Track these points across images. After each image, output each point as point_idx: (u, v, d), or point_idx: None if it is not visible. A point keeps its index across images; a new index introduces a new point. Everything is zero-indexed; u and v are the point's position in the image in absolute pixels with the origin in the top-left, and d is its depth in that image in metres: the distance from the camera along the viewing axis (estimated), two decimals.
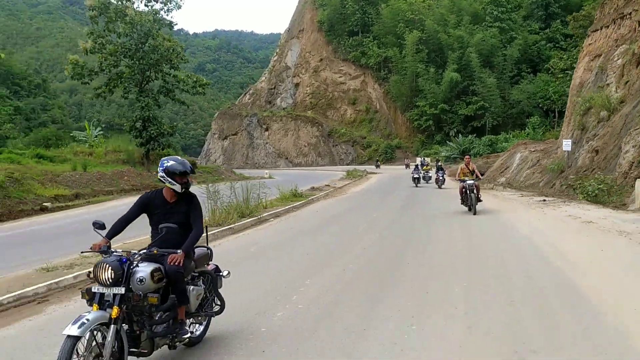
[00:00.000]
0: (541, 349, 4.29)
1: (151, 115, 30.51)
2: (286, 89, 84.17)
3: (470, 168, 15.60)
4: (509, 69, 61.17)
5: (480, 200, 14.88)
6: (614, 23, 25.91)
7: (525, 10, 65.51)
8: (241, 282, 6.48)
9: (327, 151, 70.59)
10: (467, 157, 17.07)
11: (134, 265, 4.15)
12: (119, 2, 30.32)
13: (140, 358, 4.23)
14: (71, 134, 42.28)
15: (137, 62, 30.44)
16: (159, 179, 4.61)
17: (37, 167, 22.97)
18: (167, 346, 4.46)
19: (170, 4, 31.91)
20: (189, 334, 4.62)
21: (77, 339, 3.67)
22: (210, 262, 5.10)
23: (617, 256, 8.16)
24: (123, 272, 4.03)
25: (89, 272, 4.18)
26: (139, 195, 4.98)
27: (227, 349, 4.67)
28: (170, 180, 4.51)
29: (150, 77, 32.01)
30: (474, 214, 14.03)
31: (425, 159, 40.95)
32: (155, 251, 4.32)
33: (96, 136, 39.15)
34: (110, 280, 3.94)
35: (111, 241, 4.37)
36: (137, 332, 4.15)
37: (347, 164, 61.31)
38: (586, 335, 4.61)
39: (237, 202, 12.83)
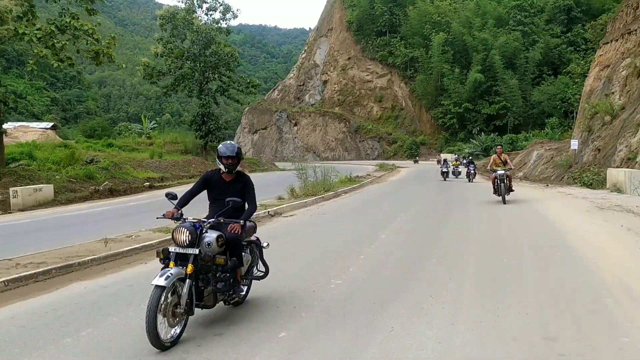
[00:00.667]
0: (514, 249, 8.38)
1: (210, 111, 35.05)
2: (314, 86, 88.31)
3: (502, 158, 15.91)
4: (530, 70, 64.46)
5: (512, 190, 15.40)
6: (622, 37, 29.54)
7: (547, 14, 68.49)
8: (347, 223, 10.75)
9: (354, 146, 74.73)
10: (499, 147, 17.34)
11: (204, 231, 4.80)
12: (186, 13, 34.87)
13: (204, 310, 5.00)
14: (129, 127, 47.09)
15: (199, 65, 35.01)
16: (225, 160, 5.24)
17: (122, 154, 27.51)
18: (222, 302, 5.15)
19: (228, 14, 36.53)
20: (243, 292, 5.49)
21: (163, 289, 4.28)
22: (254, 235, 5.75)
23: (576, 207, 13.46)
24: (196, 236, 4.67)
25: (158, 251, 4.81)
26: None
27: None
28: (218, 161, 5.26)
29: (209, 77, 36.51)
30: (504, 203, 14.65)
31: (457, 155, 41.27)
32: (222, 220, 4.94)
33: (151, 129, 43.87)
34: (187, 242, 4.60)
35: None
36: (202, 288, 4.77)
37: (373, 159, 65.28)
38: (555, 247, 8.69)
39: (317, 181, 17.25)
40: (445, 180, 27.80)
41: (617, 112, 24.29)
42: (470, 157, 32.61)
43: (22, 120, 48.12)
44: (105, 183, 18.60)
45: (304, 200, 14.97)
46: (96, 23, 19.92)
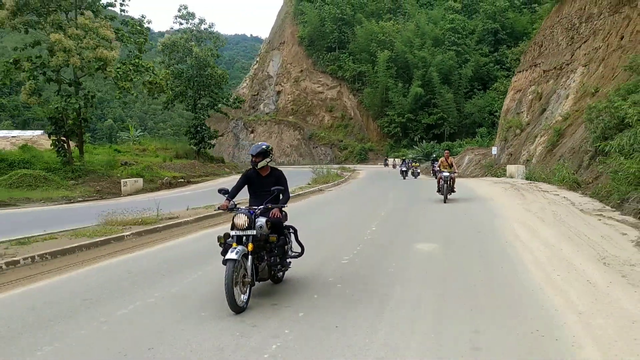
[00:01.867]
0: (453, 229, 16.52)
1: (203, 122, 42.16)
2: (269, 96, 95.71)
3: (449, 162, 17.48)
4: (463, 85, 74.57)
5: (454, 191, 17.10)
6: (530, 68, 39.16)
7: (477, 35, 79.01)
8: (337, 207, 18.71)
9: (308, 152, 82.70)
10: (446, 151, 19.30)
11: (257, 216, 6.03)
12: (185, 42, 41.76)
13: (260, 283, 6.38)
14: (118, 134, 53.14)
15: (194, 84, 42.00)
16: (255, 158, 6.52)
17: (143, 159, 34.23)
18: (270, 280, 6.45)
19: (218, 42, 43.74)
20: (290, 266, 6.77)
21: (235, 261, 5.55)
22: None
23: (487, 184, 21.43)
24: (252, 220, 5.88)
25: (219, 236, 6.16)
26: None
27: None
28: (250, 160, 6.55)
29: (202, 94, 43.54)
30: (445, 202, 16.49)
31: (406, 160, 49.13)
32: (269, 206, 6.20)
33: (137, 136, 50.19)
34: (246, 226, 5.82)
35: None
36: (257, 264, 6.02)
37: (326, 164, 73.37)
38: (483, 213, 16.86)
39: (319, 176, 25.15)
40: (404, 178, 32.57)
41: (524, 126, 33.56)
42: (407, 159, 39.24)
43: None
44: (165, 178, 25.54)
45: (321, 186, 22.97)
46: (153, 61, 27.11)
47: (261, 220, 6.04)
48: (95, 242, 10.33)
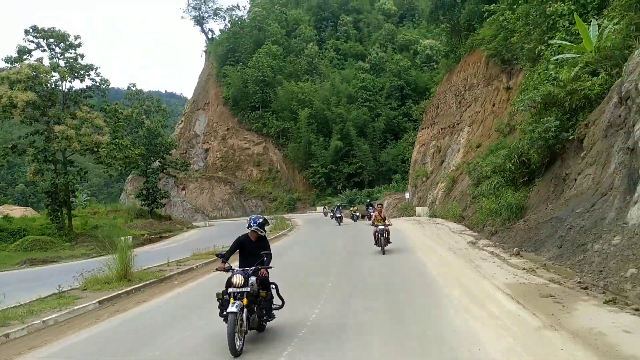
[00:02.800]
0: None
1: (155, 185, 47.56)
2: (197, 154, 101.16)
3: (382, 215, 18.42)
4: (377, 137, 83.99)
5: (390, 242, 18.14)
6: (430, 126, 48.20)
7: (386, 92, 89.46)
8: (314, 240, 25.49)
9: (239, 205, 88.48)
10: (379, 206, 20.63)
11: (249, 275, 7.55)
12: (137, 116, 47.32)
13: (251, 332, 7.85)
14: None
15: (146, 152, 47.54)
16: (254, 229, 8.10)
17: (107, 220, 39.20)
18: (256, 330, 7.89)
19: (165, 114, 49.79)
20: (275, 317, 8.24)
21: (236, 314, 6.95)
22: None
23: (403, 222, 28.60)
24: (246, 279, 7.31)
25: (218, 293, 7.73)
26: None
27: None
28: (261, 229, 8.10)
29: (152, 160, 49.01)
30: (383, 253, 17.44)
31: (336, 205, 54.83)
32: (259, 267, 7.82)
33: (84, 201, 54.46)
34: (242, 284, 7.27)
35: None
36: (248, 316, 7.41)
37: (257, 215, 79.22)
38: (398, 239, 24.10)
39: (276, 224, 31.53)
40: (339, 224, 35.24)
41: (429, 175, 41.96)
42: (339, 205, 45.48)
43: None
44: (145, 235, 30.94)
45: (284, 231, 29.48)
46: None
47: (253, 279, 7.53)
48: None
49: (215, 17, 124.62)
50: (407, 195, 42.31)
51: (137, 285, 14.79)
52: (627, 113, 12.40)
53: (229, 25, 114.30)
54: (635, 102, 11.85)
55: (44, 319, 10.96)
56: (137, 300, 13.24)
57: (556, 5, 21.75)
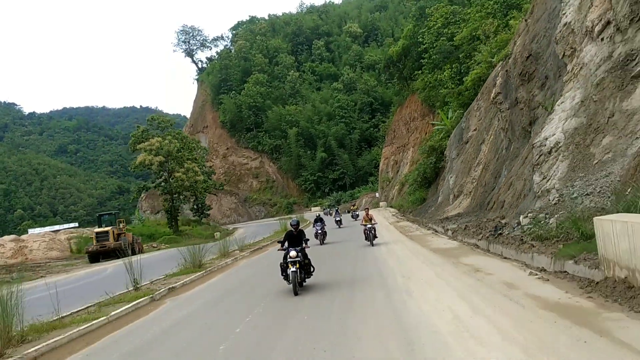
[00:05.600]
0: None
1: (203, 202, 68.48)
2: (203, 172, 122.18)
3: (369, 217, 23.17)
4: (354, 147, 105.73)
5: (376, 237, 23.01)
6: (391, 144, 70.30)
7: (359, 107, 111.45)
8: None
9: (245, 212, 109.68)
10: (367, 208, 28.39)
11: (299, 252, 12.30)
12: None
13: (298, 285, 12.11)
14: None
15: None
16: (294, 226, 13.37)
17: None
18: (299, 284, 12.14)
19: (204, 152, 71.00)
20: (311, 277, 13.04)
21: (296, 271, 11.94)
22: None
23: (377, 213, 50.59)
24: (297, 253, 12.16)
25: (281, 263, 12.66)
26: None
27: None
28: (297, 226, 13.43)
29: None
30: (372, 245, 22.07)
31: (328, 207, 77.63)
32: (304, 246, 12.88)
33: (142, 219, 75.10)
34: (295, 256, 12.13)
35: None
36: (300, 274, 12.26)
37: (262, 219, 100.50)
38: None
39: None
40: (340, 227, 37.53)
41: (390, 180, 63.96)
42: (337, 208, 66.94)
43: None
44: (221, 232, 52.27)
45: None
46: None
47: (302, 253, 12.53)
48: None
49: (202, 48, 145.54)
50: (377, 194, 64.25)
51: (245, 252, 35.80)
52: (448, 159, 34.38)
53: (215, 55, 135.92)
54: (449, 157, 33.74)
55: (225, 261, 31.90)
56: (248, 256, 34.25)
57: (444, 90, 43.85)
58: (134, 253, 27.59)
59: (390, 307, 9.26)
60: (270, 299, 12.12)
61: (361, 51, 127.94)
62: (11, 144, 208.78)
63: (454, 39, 47.33)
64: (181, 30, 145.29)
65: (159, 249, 42.43)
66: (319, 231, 27.89)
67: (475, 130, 30.88)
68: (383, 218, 37.30)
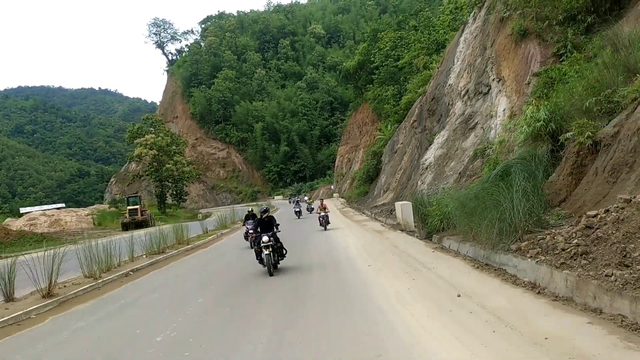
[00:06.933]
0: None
1: (182, 188, 79.30)
2: None
3: (323, 206, 28.20)
4: (315, 142, 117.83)
5: (329, 223, 27.16)
6: (346, 144, 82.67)
7: (319, 106, 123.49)
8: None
9: (212, 198, 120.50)
10: (322, 199, 33.87)
11: (270, 236, 13.60)
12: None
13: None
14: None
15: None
16: (263, 213, 14.48)
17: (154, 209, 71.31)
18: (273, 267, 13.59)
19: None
20: (283, 259, 14.35)
21: (269, 254, 13.37)
22: None
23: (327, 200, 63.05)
24: (269, 238, 13.42)
25: (255, 248, 14.53)
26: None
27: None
28: (266, 212, 14.60)
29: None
30: (325, 230, 26.49)
31: (304, 197, 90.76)
32: (275, 231, 14.09)
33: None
34: (268, 240, 13.40)
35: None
36: (274, 257, 13.75)
37: (227, 205, 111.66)
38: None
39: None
40: (299, 218, 40.60)
41: (344, 175, 76.35)
42: (298, 198, 79.59)
43: None
44: (200, 215, 63.45)
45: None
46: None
47: (273, 238, 13.75)
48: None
49: (173, 41, 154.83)
50: (332, 187, 76.55)
51: (225, 230, 47.39)
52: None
53: (185, 47, 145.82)
54: (384, 162, 46.07)
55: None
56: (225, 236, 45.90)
57: (387, 106, 56.15)
58: (153, 225, 39.01)
59: (325, 242, 21.31)
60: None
61: (324, 52, 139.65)
62: None
63: (399, 61, 59.55)
64: (152, 23, 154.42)
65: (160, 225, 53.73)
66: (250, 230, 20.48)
67: (401, 144, 43.06)
68: (334, 206, 49.57)
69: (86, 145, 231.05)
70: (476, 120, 26.84)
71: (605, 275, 7.05)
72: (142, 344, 7.92)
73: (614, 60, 14.28)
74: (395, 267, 12.44)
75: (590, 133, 12.25)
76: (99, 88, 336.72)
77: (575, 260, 8.08)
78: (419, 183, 28.86)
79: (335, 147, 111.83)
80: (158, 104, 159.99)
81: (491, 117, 24.40)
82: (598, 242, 8.14)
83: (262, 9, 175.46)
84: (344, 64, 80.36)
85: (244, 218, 25.23)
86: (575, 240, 8.61)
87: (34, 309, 11.05)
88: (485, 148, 22.49)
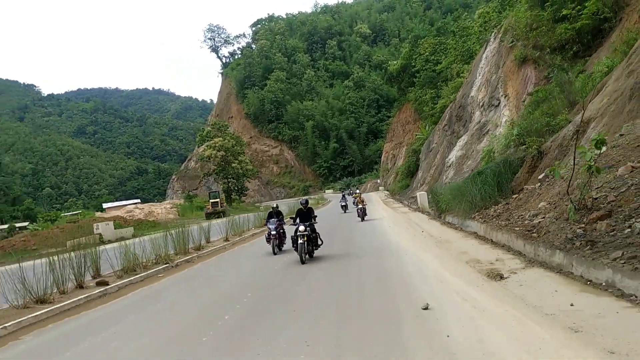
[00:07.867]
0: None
1: (243, 184, 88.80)
2: None
3: (361, 199, 31.95)
4: (362, 138, 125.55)
5: (366, 215, 30.45)
6: (391, 141, 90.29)
7: (366, 104, 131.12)
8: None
9: (267, 193, 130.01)
10: (358, 192, 40.31)
11: (307, 226, 14.99)
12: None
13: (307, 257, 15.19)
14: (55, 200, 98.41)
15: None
16: (304, 204, 16.19)
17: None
18: (308, 255, 15.02)
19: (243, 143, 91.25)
20: (318, 249, 15.69)
21: (303, 243, 14.57)
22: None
23: (376, 196, 71.11)
24: (306, 227, 14.77)
25: (292, 236, 15.97)
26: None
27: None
28: (307, 204, 16.23)
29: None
30: (362, 221, 29.51)
31: (353, 192, 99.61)
32: (313, 222, 15.57)
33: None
34: (304, 229, 14.72)
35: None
36: (309, 246, 15.05)
37: (281, 200, 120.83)
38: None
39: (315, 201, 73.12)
40: (345, 212, 41.56)
41: (389, 170, 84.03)
42: (348, 192, 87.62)
43: None
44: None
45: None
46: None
47: (309, 227, 14.74)
48: None
49: (226, 44, 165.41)
50: (378, 181, 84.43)
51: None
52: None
53: (237, 50, 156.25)
54: (421, 159, 53.79)
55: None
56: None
57: (426, 108, 63.64)
58: (228, 215, 48.08)
59: (370, 225, 29.44)
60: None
61: (370, 51, 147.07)
62: (33, 125, 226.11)
63: (437, 66, 66.64)
64: (208, 29, 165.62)
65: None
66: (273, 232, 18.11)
67: (435, 143, 50.49)
68: (378, 197, 57.66)
69: (143, 144, 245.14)
70: (488, 128, 34.33)
71: (497, 224, 15.01)
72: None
73: (561, 95, 22.05)
74: (404, 227, 20.82)
75: (536, 146, 19.87)
76: (153, 88, 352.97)
77: (493, 219, 16.00)
78: (444, 178, 36.49)
79: (381, 143, 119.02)
80: (209, 102, 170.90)
81: (497, 126, 31.97)
82: (505, 211, 16.06)
83: (309, 10, 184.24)
84: (389, 66, 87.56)
85: (266, 216, 20.49)
86: (499, 211, 16.55)
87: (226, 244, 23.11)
88: (489, 150, 30.16)
